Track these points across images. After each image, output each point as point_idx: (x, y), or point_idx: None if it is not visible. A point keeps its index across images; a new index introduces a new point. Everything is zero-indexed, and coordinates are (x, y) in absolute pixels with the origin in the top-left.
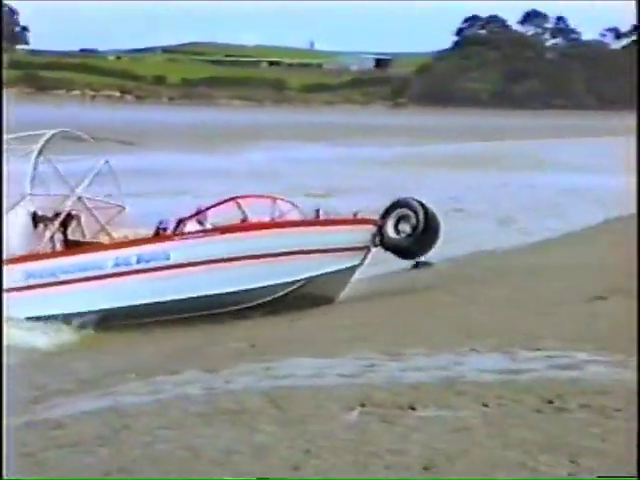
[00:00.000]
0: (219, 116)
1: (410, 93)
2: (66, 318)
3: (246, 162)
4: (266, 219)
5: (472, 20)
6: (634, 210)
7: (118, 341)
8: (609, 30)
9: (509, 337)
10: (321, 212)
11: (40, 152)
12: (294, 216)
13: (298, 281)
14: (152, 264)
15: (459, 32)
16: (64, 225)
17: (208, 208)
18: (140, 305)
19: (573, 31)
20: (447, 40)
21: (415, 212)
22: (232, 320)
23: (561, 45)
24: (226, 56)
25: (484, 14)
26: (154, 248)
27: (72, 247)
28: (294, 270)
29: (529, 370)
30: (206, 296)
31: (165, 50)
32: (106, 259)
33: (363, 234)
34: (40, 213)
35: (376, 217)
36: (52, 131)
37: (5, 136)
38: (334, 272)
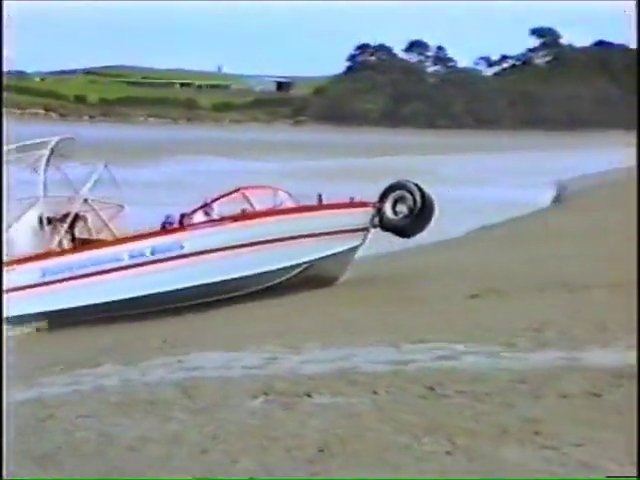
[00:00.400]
0: (136, 133)
1: (309, 112)
2: (82, 311)
3: (162, 174)
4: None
5: (363, 48)
6: (506, 218)
7: (52, 338)
8: (482, 59)
9: (396, 332)
10: (323, 197)
11: (49, 158)
12: (292, 204)
13: (305, 263)
14: (166, 254)
15: (351, 58)
16: (72, 225)
17: (215, 200)
18: (156, 294)
19: (451, 59)
20: (341, 65)
21: (412, 194)
22: (148, 318)
23: (441, 71)
24: (142, 78)
25: (374, 43)
26: (168, 239)
27: (82, 245)
28: (300, 253)
29: (414, 361)
30: (219, 282)
31: (87, 72)
32: (122, 252)
33: (362, 216)
34: (47, 215)
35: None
36: (55, 138)
37: (5, 147)
38: (337, 253)
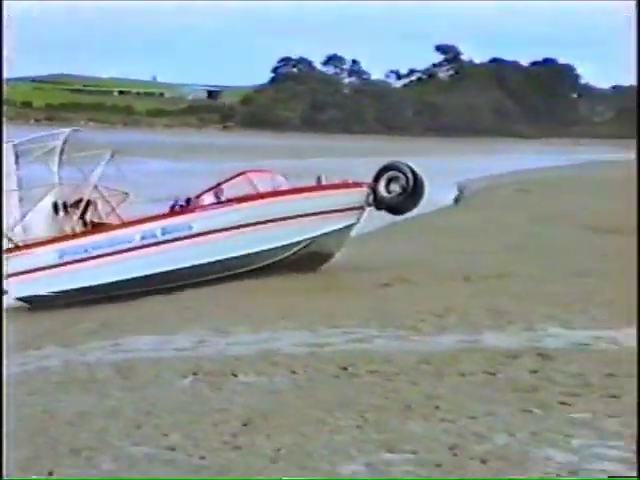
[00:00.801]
0: (78, 135)
1: (236, 119)
2: (97, 289)
3: (102, 173)
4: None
5: (285, 60)
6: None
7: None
8: (392, 72)
9: (313, 317)
10: (323, 178)
11: (62, 149)
12: (277, 184)
13: (304, 240)
14: (176, 234)
15: (275, 70)
16: (84, 210)
17: (221, 183)
18: (166, 271)
19: (364, 72)
20: (265, 76)
21: (405, 174)
22: (88, 305)
23: (355, 83)
24: (84, 86)
25: (295, 56)
26: (177, 221)
27: (93, 228)
28: (300, 231)
29: (329, 344)
30: (226, 259)
31: (33, 80)
32: (134, 233)
33: (358, 196)
34: (61, 201)
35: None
36: (67, 130)
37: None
38: (335, 231)
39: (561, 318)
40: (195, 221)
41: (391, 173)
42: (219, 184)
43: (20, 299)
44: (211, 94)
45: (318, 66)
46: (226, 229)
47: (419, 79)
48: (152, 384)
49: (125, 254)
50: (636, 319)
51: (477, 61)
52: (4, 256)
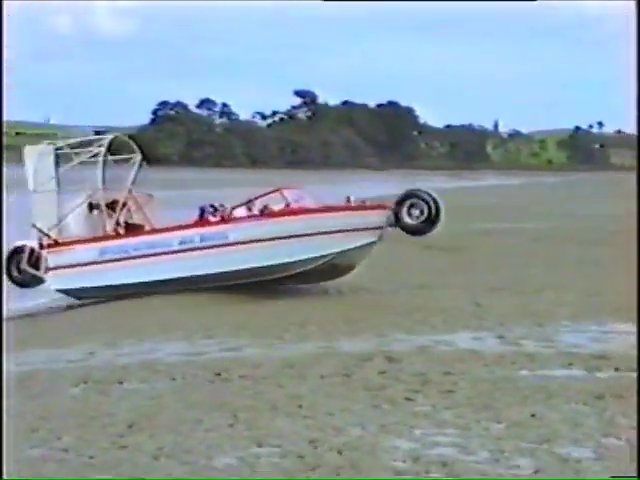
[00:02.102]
0: None
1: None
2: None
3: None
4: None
5: (163, 104)
6: None
7: None
8: (257, 113)
9: (191, 328)
10: (352, 199)
11: (105, 155)
12: (309, 202)
13: (331, 254)
14: (214, 242)
15: (154, 112)
16: (114, 210)
17: (257, 197)
18: (202, 275)
19: (234, 113)
20: (147, 117)
21: (427, 202)
22: None
23: (226, 123)
24: None
25: (172, 100)
26: (215, 230)
27: (126, 227)
28: (328, 245)
29: (205, 352)
30: (257, 268)
31: None
32: (173, 239)
33: (381, 217)
34: (95, 202)
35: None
36: (110, 136)
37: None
38: (357, 247)
39: (405, 325)
40: (231, 231)
41: (414, 200)
42: (256, 198)
43: (59, 290)
44: (98, 134)
45: (192, 109)
46: (259, 240)
47: (281, 119)
48: (47, 392)
49: (164, 257)
50: (636, 319)
51: (331, 103)
52: (44, 251)
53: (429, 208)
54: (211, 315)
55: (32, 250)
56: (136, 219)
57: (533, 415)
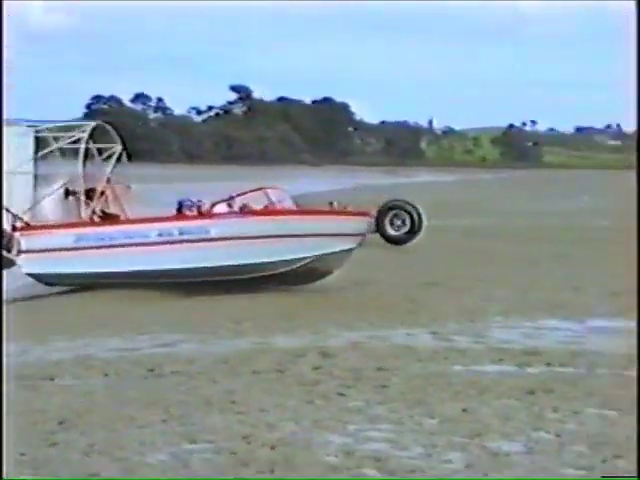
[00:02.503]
0: None
1: (56, 150)
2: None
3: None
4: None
5: (97, 98)
6: None
7: None
8: (192, 108)
9: (125, 325)
10: (335, 204)
11: (88, 140)
12: (289, 203)
13: (310, 257)
14: (193, 236)
15: (88, 106)
16: (91, 198)
17: (239, 194)
18: (178, 269)
19: (168, 108)
20: (80, 111)
21: (410, 214)
22: None
23: (160, 118)
24: None
25: (106, 94)
26: (196, 224)
27: (102, 216)
28: (308, 248)
29: (138, 348)
30: (236, 265)
31: None
32: (151, 230)
33: (363, 223)
34: (71, 188)
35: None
36: (92, 123)
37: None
38: (337, 252)
39: (340, 321)
40: (213, 226)
41: (397, 212)
42: (237, 195)
43: (30, 275)
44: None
45: (127, 103)
46: (240, 238)
47: (217, 115)
48: None
49: (140, 248)
50: (636, 318)
51: (267, 99)
52: (17, 233)
53: (412, 220)
54: (145, 311)
55: (4, 232)
56: (112, 209)
57: (465, 410)
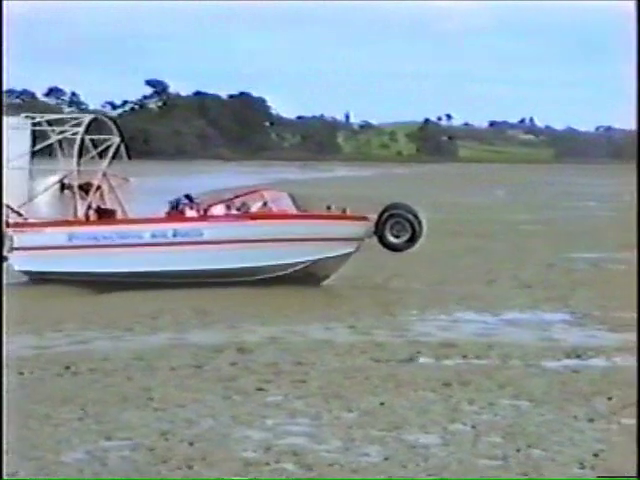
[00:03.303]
0: None
1: None
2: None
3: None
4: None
5: (9, 92)
6: None
7: None
8: (108, 102)
9: (40, 322)
10: (333, 207)
11: (83, 135)
12: (287, 205)
13: (306, 262)
14: (187, 239)
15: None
16: (87, 192)
17: (237, 196)
18: (171, 271)
19: (83, 102)
20: None
21: (411, 223)
22: None
23: (75, 112)
24: None
25: (19, 88)
26: (190, 226)
27: (98, 212)
28: (305, 253)
29: (53, 346)
30: (230, 269)
31: None
32: (145, 230)
33: (362, 228)
34: (67, 182)
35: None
36: (89, 116)
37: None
38: (334, 256)
39: (257, 316)
40: (207, 229)
41: (398, 219)
42: (236, 197)
43: (23, 272)
44: None
45: (40, 97)
46: (235, 241)
47: (132, 109)
48: None
49: (134, 248)
50: (636, 319)
51: (183, 93)
52: (10, 230)
53: (412, 228)
54: (60, 308)
55: None
56: (109, 204)
57: (382, 403)
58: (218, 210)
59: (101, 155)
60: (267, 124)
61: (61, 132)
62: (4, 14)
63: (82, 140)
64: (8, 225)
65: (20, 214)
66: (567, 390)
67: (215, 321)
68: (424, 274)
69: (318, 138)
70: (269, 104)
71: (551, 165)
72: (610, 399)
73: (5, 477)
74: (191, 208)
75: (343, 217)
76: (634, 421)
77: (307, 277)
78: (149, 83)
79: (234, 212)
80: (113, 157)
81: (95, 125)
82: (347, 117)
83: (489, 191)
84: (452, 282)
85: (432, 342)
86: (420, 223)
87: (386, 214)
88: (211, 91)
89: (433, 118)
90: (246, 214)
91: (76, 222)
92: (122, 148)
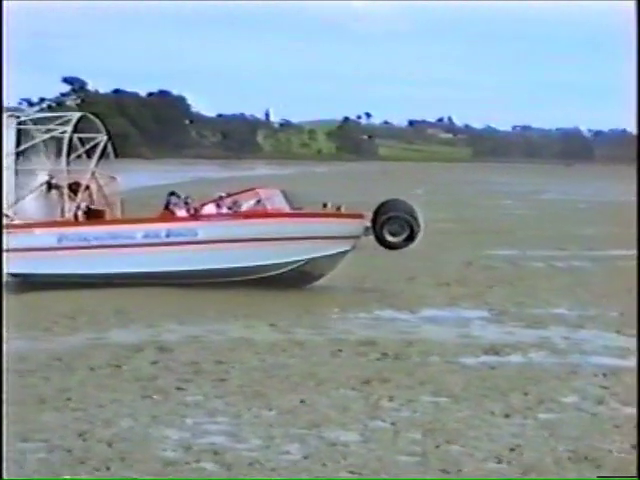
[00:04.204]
0: None
1: None
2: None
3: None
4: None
5: None
6: None
7: None
8: (24, 100)
9: None
10: (329, 205)
11: (71, 133)
12: (281, 203)
13: (301, 261)
14: (181, 239)
15: None
16: (75, 192)
17: (230, 195)
18: (164, 272)
19: None
20: None
21: (410, 223)
22: None
23: None
24: None
25: None
26: (183, 226)
27: (87, 212)
28: (299, 251)
29: None
30: (224, 269)
31: None
32: (136, 231)
33: (358, 226)
34: (54, 182)
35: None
36: (77, 114)
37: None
38: (330, 255)
39: (177, 315)
40: (201, 228)
41: (395, 215)
42: (228, 195)
43: (13, 275)
44: None
45: None
46: (229, 241)
47: (49, 107)
48: None
49: (126, 249)
50: (636, 321)
51: (101, 91)
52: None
53: (410, 227)
54: None
55: None
56: (97, 203)
57: (303, 401)
58: (210, 209)
59: (88, 154)
60: (187, 122)
61: (48, 130)
62: (4, 14)
63: (70, 139)
64: None
65: (7, 215)
66: (485, 386)
67: (134, 320)
68: (344, 273)
69: (238, 136)
70: (189, 102)
71: (470, 164)
72: (526, 394)
73: (5, 477)
74: (180, 207)
75: (338, 215)
76: (549, 415)
77: (302, 276)
78: (66, 80)
79: (226, 211)
80: (100, 156)
81: (79, 124)
82: (267, 115)
83: (408, 190)
84: (372, 281)
85: (352, 340)
86: (417, 220)
87: (382, 210)
88: (130, 89)
89: (353, 117)
90: (240, 213)
91: (66, 223)
92: (109, 147)
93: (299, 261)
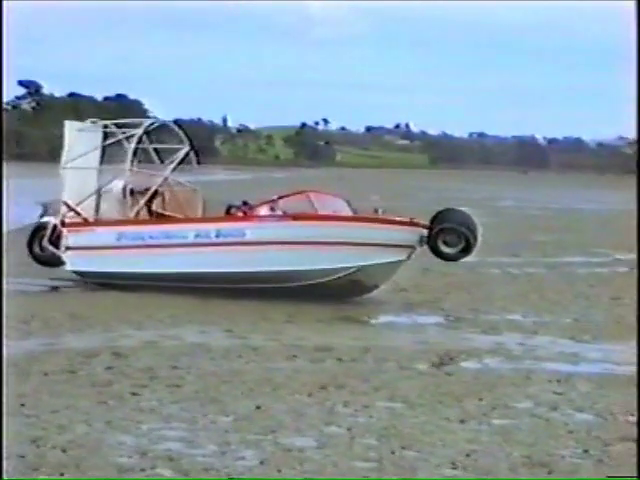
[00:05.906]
0: None
1: None
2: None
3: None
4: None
5: None
6: None
7: None
8: None
9: None
10: (380, 211)
11: (141, 137)
12: (338, 208)
13: (353, 267)
14: (229, 239)
15: None
16: (150, 199)
17: (281, 197)
18: (212, 273)
19: None
20: None
21: (466, 236)
22: None
23: None
24: None
25: None
26: (232, 226)
27: (156, 218)
28: (350, 258)
29: None
30: (272, 272)
31: None
32: (189, 230)
33: (413, 234)
34: (130, 187)
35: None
36: (149, 120)
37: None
38: (383, 264)
39: (133, 320)
40: (249, 229)
41: (451, 227)
42: (280, 197)
43: (74, 272)
44: None
45: None
46: (277, 242)
47: (5, 110)
48: None
49: (177, 249)
50: (636, 323)
51: (57, 95)
52: (66, 229)
53: (466, 239)
54: None
55: (55, 227)
56: (170, 211)
57: (259, 407)
58: (262, 210)
59: (162, 160)
60: None
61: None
62: (4, 14)
63: (139, 142)
64: (63, 224)
65: (78, 213)
66: (440, 392)
67: (89, 325)
68: None
69: (196, 141)
70: (146, 107)
71: (426, 170)
72: (481, 400)
73: (5, 477)
74: (239, 209)
75: (394, 221)
76: (504, 421)
77: (354, 286)
78: (22, 84)
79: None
80: (180, 163)
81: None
82: (225, 121)
83: (365, 196)
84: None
85: (308, 346)
86: (474, 231)
87: (439, 219)
88: (86, 93)
89: (310, 123)
90: (289, 214)
91: (125, 221)
92: (192, 155)
93: (349, 268)
